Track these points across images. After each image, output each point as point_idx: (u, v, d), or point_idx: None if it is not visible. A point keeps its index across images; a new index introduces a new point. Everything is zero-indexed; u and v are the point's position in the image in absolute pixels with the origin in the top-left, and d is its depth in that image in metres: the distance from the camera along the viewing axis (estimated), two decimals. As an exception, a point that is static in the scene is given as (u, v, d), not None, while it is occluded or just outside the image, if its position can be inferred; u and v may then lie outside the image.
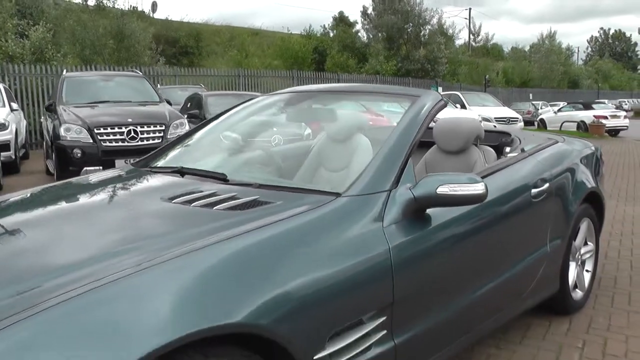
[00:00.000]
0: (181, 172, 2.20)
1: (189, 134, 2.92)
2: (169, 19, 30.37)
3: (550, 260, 2.62)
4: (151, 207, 1.85)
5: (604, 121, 17.40)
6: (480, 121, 11.33)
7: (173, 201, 1.83)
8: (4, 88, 10.63)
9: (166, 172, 2.27)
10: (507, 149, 2.97)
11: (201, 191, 1.90)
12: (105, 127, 6.53)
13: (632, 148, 13.50)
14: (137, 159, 2.68)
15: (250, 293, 1.33)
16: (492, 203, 2.15)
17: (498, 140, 3.14)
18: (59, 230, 1.73)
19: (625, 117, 18.49)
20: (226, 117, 2.92)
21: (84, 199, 2.12)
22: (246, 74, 19.68)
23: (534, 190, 2.46)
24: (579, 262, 3.04)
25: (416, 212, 1.84)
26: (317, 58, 29.90)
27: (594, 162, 3.27)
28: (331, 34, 35.38)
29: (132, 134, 6.60)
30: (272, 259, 1.44)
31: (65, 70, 8.88)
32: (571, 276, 2.94)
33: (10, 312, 1.14)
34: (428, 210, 1.88)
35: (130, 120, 6.69)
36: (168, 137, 6.88)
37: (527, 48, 50.25)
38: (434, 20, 34.25)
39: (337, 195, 1.77)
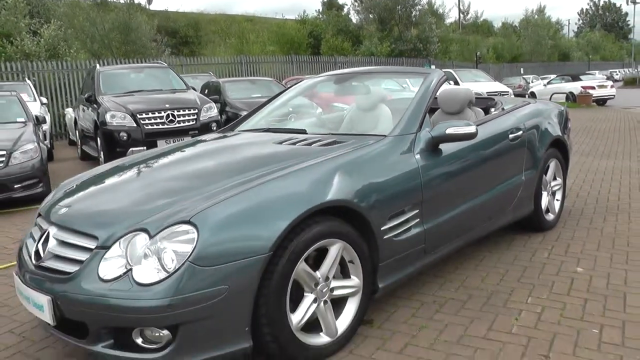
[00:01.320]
0: (269, 130, 3.20)
1: (254, 111, 3.89)
2: (167, 10, 31.13)
3: (525, 186, 3.64)
4: (269, 146, 2.84)
5: (591, 91, 18.40)
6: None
7: (283, 143, 2.82)
8: (31, 84, 11.52)
9: (258, 131, 3.27)
10: (492, 110, 3.97)
11: (297, 138, 2.90)
12: (146, 112, 7.47)
13: (614, 115, 14.53)
14: (224, 127, 3.68)
15: (349, 185, 2.33)
16: (480, 143, 3.16)
17: (485, 104, 4.13)
18: (214, 162, 2.71)
19: (612, 86, 19.48)
20: (284, 96, 3.91)
21: (216, 147, 3.09)
22: (248, 60, 20.52)
23: (510, 135, 3.46)
24: (550, 192, 4.06)
25: (433, 146, 2.84)
26: (312, 42, 30.72)
27: (562, 119, 4.27)
28: (321, 18, 36.04)
29: (170, 117, 7.55)
30: (358, 168, 2.44)
31: (98, 65, 9.75)
32: (544, 202, 3.96)
33: (209, 202, 2.11)
34: (440, 145, 2.88)
35: (167, 105, 7.64)
36: (200, 119, 7.85)
37: (516, 23, 51.04)
38: (424, 0, 34.96)
39: (384, 136, 2.78)
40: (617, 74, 37.39)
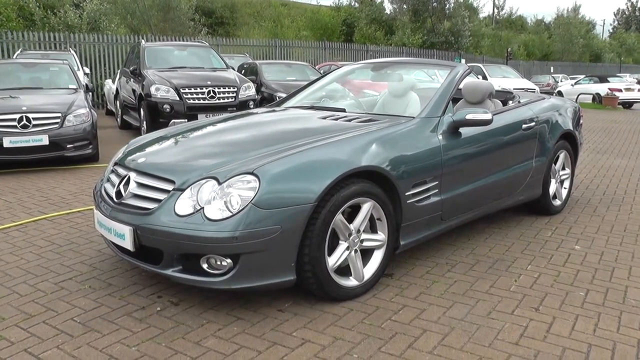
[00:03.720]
0: (312, 107, 3.68)
1: (297, 91, 4.37)
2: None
3: (535, 172, 4.06)
4: (315, 120, 3.33)
5: (617, 94, 18.43)
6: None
7: (327, 118, 3.31)
8: (75, 54, 12.16)
9: (303, 108, 3.75)
10: (510, 102, 4.38)
11: (338, 115, 3.38)
12: (189, 87, 8.01)
13: (637, 118, 14.65)
14: (273, 102, 4.18)
15: (381, 155, 2.80)
16: (495, 130, 3.60)
17: (504, 97, 4.54)
18: (268, 129, 3.21)
19: (639, 90, 19.46)
20: (324, 79, 4.39)
21: (268, 118, 3.58)
22: (282, 44, 20.96)
23: (523, 125, 3.89)
24: (558, 180, 4.47)
25: (454, 129, 3.28)
26: (345, 30, 30.98)
27: (574, 115, 4.66)
28: (355, 6, 36.22)
29: (212, 93, 8.08)
30: (390, 141, 2.91)
31: (144, 41, 10.30)
32: (552, 188, 4.37)
33: (268, 159, 2.60)
34: (460, 129, 3.33)
35: (209, 82, 8.17)
36: (239, 97, 8.36)
37: (548, 20, 50.33)
38: (459, -7, 34.79)
39: (413, 117, 3.24)
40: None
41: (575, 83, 21.71)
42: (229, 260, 2.44)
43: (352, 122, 3.20)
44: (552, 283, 3.09)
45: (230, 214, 2.40)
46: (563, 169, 4.53)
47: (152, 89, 7.99)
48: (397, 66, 4.30)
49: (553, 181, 4.38)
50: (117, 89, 10.69)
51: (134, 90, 9.01)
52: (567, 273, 3.24)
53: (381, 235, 2.88)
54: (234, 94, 8.34)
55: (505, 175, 3.76)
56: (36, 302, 2.77)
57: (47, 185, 5.50)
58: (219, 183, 2.50)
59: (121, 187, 2.82)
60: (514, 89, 17.37)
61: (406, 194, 2.95)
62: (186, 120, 7.94)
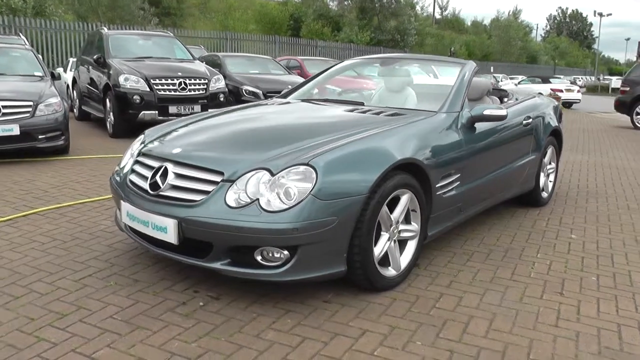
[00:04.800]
0: (327, 100, 3.69)
1: (303, 83, 4.36)
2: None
3: (531, 165, 4.27)
4: (342, 113, 3.35)
5: (559, 94, 19.53)
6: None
7: (353, 111, 3.33)
8: (25, 40, 11.47)
9: (317, 101, 3.76)
10: (505, 99, 4.57)
11: (361, 108, 3.41)
12: (160, 78, 7.77)
13: (582, 118, 15.66)
14: (280, 93, 4.16)
15: (419, 148, 2.87)
16: (504, 124, 3.76)
17: (499, 94, 4.74)
18: (299, 121, 3.23)
19: (578, 91, 20.72)
20: (327, 72, 4.40)
21: (294, 109, 3.58)
22: (233, 37, 20.69)
23: (524, 121, 4.08)
24: (546, 174, 4.72)
25: (471, 124, 3.40)
26: (292, 24, 30.96)
27: (558, 112, 4.93)
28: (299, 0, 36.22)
29: (183, 85, 7.87)
30: (423, 135, 2.98)
31: (105, 28, 9.86)
32: (541, 181, 4.61)
33: (319, 150, 2.61)
34: (476, 124, 3.45)
35: (180, 74, 7.95)
36: (210, 89, 8.20)
37: (486, 22, 52.50)
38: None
39: (435, 112, 3.33)
40: (579, 80, 39.38)
41: (519, 83, 22.77)
42: (285, 252, 2.42)
43: (381, 116, 3.24)
44: (564, 269, 3.27)
45: (289, 206, 2.38)
46: (549, 163, 4.78)
47: (121, 79, 7.69)
48: (405, 62, 4.39)
49: (542, 174, 4.62)
50: (74, 78, 10.18)
51: (96, 80, 8.63)
52: (574, 260, 3.44)
53: (415, 226, 2.95)
54: (205, 86, 8.18)
55: (510, 168, 3.94)
56: (62, 301, 2.64)
57: (22, 179, 5.19)
58: (272, 174, 2.48)
59: (157, 178, 2.72)
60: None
61: (436, 185, 3.03)
62: (157, 112, 7.73)
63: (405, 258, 2.92)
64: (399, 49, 33.08)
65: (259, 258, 2.47)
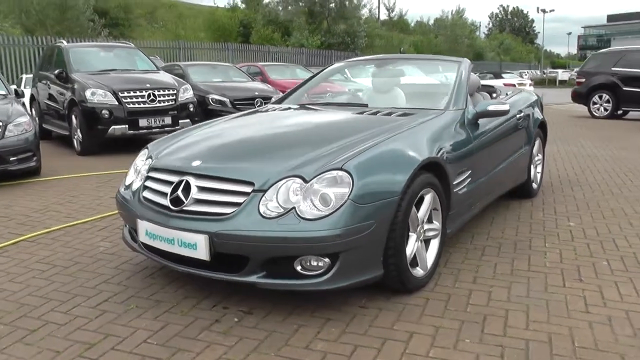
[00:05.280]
0: (329, 104, 3.67)
1: (295, 89, 4.31)
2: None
3: (524, 158, 4.38)
4: (356, 116, 3.33)
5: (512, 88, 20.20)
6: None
7: (364, 114, 3.31)
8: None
9: (317, 104, 3.74)
10: (494, 95, 4.68)
11: (369, 110, 3.40)
12: (128, 91, 7.52)
13: (534, 110, 16.22)
14: (274, 99, 4.10)
15: (438, 146, 2.89)
16: (503, 120, 3.84)
17: (487, 90, 4.84)
18: (316, 125, 3.22)
19: (530, 85, 21.53)
20: (318, 76, 4.38)
21: (302, 114, 3.56)
22: (186, 46, 20.35)
23: (517, 115, 4.18)
24: (535, 165, 4.86)
25: (475, 120, 3.45)
26: (242, 31, 30.74)
27: (540, 104, 5.08)
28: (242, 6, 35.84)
29: (152, 97, 7.65)
30: (439, 133, 3.00)
31: (64, 41, 9.48)
32: (532, 173, 4.74)
33: (349, 153, 2.58)
34: (479, 120, 3.51)
35: (148, 85, 7.72)
36: (179, 100, 8.00)
37: (431, 22, 53.93)
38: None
39: (442, 110, 3.35)
40: (525, 74, 40.99)
41: (470, 79, 23.40)
42: (326, 260, 2.37)
43: (392, 117, 3.24)
44: (575, 257, 3.37)
45: (328, 212, 2.34)
46: (537, 155, 4.92)
47: (87, 94, 7.40)
48: (400, 62, 4.42)
49: (532, 166, 4.75)
50: (32, 95, 9.71)
51: (58, 97, 8.27)
52: (581, 247, 3.55)
53: (437, 224, 2.96)
54: (174, 97, 7.97)
55: (509, 162, 4.02)
56: (85, 330, 2.50)
57: (-2, 204, 4.90)
58: (305, 181, 2.43)
59: (179, 193, 2.61)
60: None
61: (453, 182, 3.06)
62: (127, 126, 7.49)
63: (430, 257, 2.92)
64: (350, 51, 33.42)
65: (298, 268, 2.41)
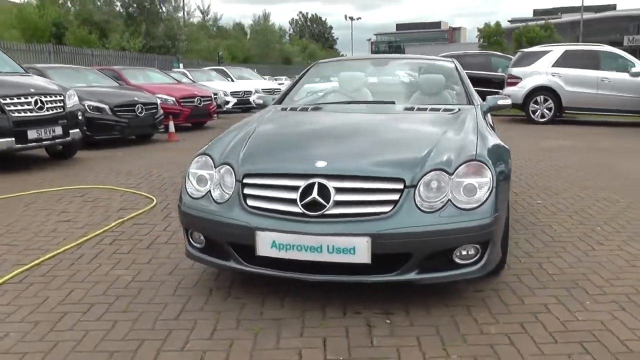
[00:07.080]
0: (354, 102, 3.78)
1: (287, 90, 4.23)
2: None
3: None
4: (402, 113, 3.53)
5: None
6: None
7: (412, 110, 3.51)
8: None
9: (341, 103, 3.87)
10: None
11: (411, 106, 3.58)
12: (12, 97, 6.32)
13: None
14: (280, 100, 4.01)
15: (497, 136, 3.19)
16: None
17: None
18: (396, 125, 3.33)
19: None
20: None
21: (352, 115, 3.61)
22: (3, 46, 17.55)
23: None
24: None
25: (485, 114, 3.80)
26: (54, 31, 27.41)
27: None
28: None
29: (39, 104, 6.52)
30: (484, 125, 3.24)
31: None
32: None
33: (468, 145, 2.72)
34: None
35: (33, 90, 6.59)
36: (67, 107, 6.97)
37: (247, 27, 54.98)
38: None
39: (473, 106, 3.67)
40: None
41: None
42: (478, 247, 2.50)
43: (440, 112, 3.47)
44: (611, 231, 3.86)
45: (481, 202, 2.46)
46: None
47: (-45, 104, 6.03)
48: (395, 62, 4.63)
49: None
50: None
51: None
52: (608, 223, 4.04)
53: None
54: (62, 104, 6.90)
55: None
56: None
57: None
58: (449, 174, 2.51)
59: (316, 196, 2.45)
60: (262, 89, 18.66)
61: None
62: (14, 139, 6.29)
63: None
64: (171, 54, 32.24)
65: (456, 259, 2.49)
